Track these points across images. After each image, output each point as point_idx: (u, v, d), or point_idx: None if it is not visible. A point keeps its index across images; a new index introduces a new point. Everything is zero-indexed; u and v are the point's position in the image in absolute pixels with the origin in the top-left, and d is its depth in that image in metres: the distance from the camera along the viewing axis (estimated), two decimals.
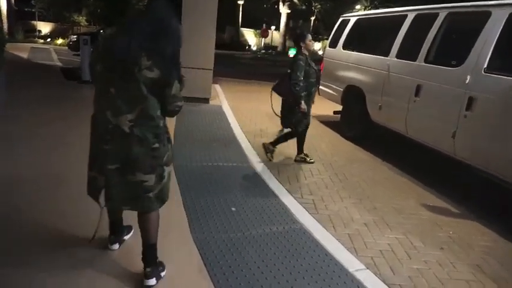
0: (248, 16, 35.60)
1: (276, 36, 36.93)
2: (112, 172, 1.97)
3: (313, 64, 4.39)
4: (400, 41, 4.91)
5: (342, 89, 6.23)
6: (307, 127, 4.60)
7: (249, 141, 5.35)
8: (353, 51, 6.09)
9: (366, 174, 4.50)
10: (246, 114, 7.25)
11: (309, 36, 4.40)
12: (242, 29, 37.65)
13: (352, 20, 6.39)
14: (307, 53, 4.39)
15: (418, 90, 4.38)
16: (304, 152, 4.76)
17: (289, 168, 4.50)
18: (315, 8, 37.84)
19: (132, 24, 1.95)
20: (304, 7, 36.46)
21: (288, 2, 33.34)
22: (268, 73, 18.10)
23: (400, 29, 4.96)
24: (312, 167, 4.57)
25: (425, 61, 4.40)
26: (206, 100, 7.81)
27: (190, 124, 6.00)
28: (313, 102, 4.58)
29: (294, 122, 4.48)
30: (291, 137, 4.67)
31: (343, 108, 6.36)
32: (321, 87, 7.14)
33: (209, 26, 7.38)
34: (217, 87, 9.62)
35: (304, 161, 4.73)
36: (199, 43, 7.35)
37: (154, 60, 1.85)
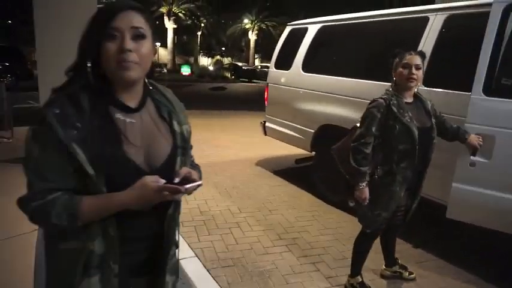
0: None
1: (162, 53, 33.88)
2: None
3: (407, 117, 2.15)
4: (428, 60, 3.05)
5: (311, 130, 4.18)
6: (379, 229, 2.41)
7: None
8: (326, 74, 4.07)
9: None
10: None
11: (409, 56, 2.17)
12: None
13: (313, 29, 4.40)
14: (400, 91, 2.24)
15: None
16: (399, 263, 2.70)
17: None
18: (200, 23, 36.10)
19: None
20: (189, 22, 34.38)
21: (173, 16, 30.82)
22: (182, 95, 15.62)
23: (421, 37, 3.12)
24: None
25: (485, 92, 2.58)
26: None
27: None
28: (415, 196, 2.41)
29: (358, 215, 2.43)
30: (364, 245, 2.47)
31: (317, 159, 4.29)
32: (268, 124, 5.01)
33: None
34: None
35: (401, 276, 2.66)
36: None
37: None
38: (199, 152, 5.09)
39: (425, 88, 2.85)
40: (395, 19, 3.53)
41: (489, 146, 2.36)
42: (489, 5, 2.53)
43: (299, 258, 2.92)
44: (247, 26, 37.05)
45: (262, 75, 27.28)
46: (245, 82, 25.84)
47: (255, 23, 36.34)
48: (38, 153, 0.89)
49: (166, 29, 31.37)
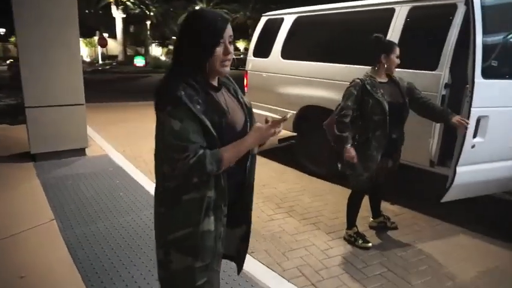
0: None
1: (112, 44, 32.53)
2: None
3: (379, 94, 2.65)
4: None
5: (294, 112, 4.61)
6: (366, 188, 2.95)
7: None
8: (304, 60, 4.52)
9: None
10: (152, 159, 4.88)
11: (397, 50, 2.71)
12: None
13: (289, 19, 4.81)
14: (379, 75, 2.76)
15: None
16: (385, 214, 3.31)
17: None
18: (149, 11, 35.04)
19: None
20: (138, 10, 33.23)
21: (121, 5, 29.63)
22: (132, 89, 15.17)
23: (389, 25, 3.64)
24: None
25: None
26: (82, 151, 5.03)
27: (79, 207, 3.39)
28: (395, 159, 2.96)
29: (348, 176, 2.96)
30: (355, 202, 3.01)
31: (300, 138, 4.77)
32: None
33: (71, 36, 4.62)
34: None
35: (385, 225, 3.25)
36: (59, 65, 4.57)
37: None
38: None
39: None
40: (366, 10, 4.05)
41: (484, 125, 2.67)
42: None
43: (300, 221, 3.39)
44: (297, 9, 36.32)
45: None
46: None
47: None
48: (180, 124, 1.20)
49: (115, 18, 30.13)
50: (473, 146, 2.64)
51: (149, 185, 4.03)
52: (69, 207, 3.45)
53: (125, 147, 5.61)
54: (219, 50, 1.26)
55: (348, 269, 2.66)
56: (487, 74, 2.54)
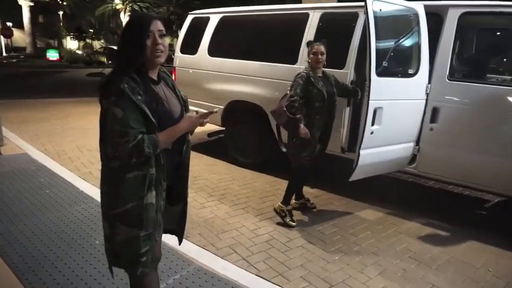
0: None
1: (18, 35, 29.38)
2: None
3: (320, 84, 3.17)
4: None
5: (221, 107, 4.89)
6: (306, 165, 3.37)
7: None
8: (230, 58, 4.80)
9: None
10: (78, 156, 4.78)
11: (316, 46, 3.17)
12: None
13: (215, 19, 5.04)
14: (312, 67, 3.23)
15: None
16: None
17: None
18: (62, 1, 32.37)
19: None
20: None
21: None
22: (49, 85, 14.11)
23: (304, 30, 4.09)
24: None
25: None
26: None
27: (0, 207, 3.26)
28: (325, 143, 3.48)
29: (289, 155, 3.44)
30: (296, 179, 3.49)
31: (228, 131, 5.04)
32: None
33: None
34: None
35: (305, 206, 3.72)
36: None
37: None
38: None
39: None
40: (284, 13, 4.47)
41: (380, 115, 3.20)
42: (350, 7, 3.62)
43: (231, 206, 3.68)
44: (118, 7, 34.72)
45: None
46: None
47: (126, 4, 34.32)
48: (123, 113, 1.39)
49: (21, 6, 27.23)
50: (372, 133, 3.17)
51: (77, 181, 3.98)
52: None
53: (46, 145, 5.34)
54: (148, 42, 1.47)
55: (274, 244, 3.02)
56: (380, 73, 3.08)
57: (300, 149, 3.26)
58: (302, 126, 3.14)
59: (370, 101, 3.04)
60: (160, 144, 1.47)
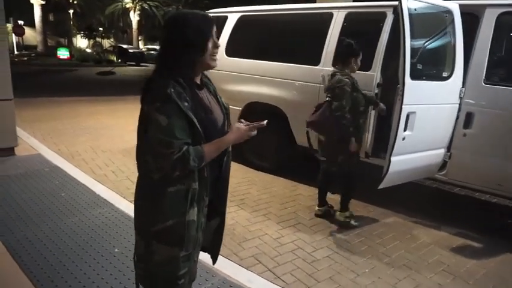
0: None
1: (30, 34, 29.60)
2: None
3: (361, 88, 3.21)
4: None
5: (238, 108, 4.75)
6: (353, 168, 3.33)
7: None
8: (249, 58, 4.66)
9: None
10: (93, 157, 4.68)
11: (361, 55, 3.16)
12: None
13: (233, 18, 4.91)
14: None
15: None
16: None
17: None
18: (73, 0, 32.55)
19: None
20: None
21: None
22: (60, 83, 14.20)
23: (328, 31, 3.94)
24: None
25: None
26: (10, 151, 4.62)
27: (16, 210, 3.16)
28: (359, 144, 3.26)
29: (323, 162, 3.39)
30: (348, 186, 3.41)
31: None
32: None
33: None
34: None
35: (329, 213, 3.54)
36: None
37: None
38: (119, 138, 5.13)
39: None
40: (307, 13, 4.31)
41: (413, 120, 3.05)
42: (376, 6, 3.47)
43: (251, 213, 3.54)
44: (127, 6, 34.83)
45: (150, 58, 26.20)
46: (133, 66, 24.69)
47: (136, 3, 34.40)
48: (167, 121, 1.25)
49: (33, 5, 27.44)
50: (403, 139, 3.00)
51: (93, 185, 3.87)
52: (4, 210, 3.19)
53: (59, 145, 5.26)
54: (210, 45, 1.36)
55: (300, 254, 2.87)
56: (413, 76, 2.92)
57: (341, 154, 3.19)
58: (353, 140, 3.07)
59: (403, 106, 2.87)
60: (206, 157, 1.33)
